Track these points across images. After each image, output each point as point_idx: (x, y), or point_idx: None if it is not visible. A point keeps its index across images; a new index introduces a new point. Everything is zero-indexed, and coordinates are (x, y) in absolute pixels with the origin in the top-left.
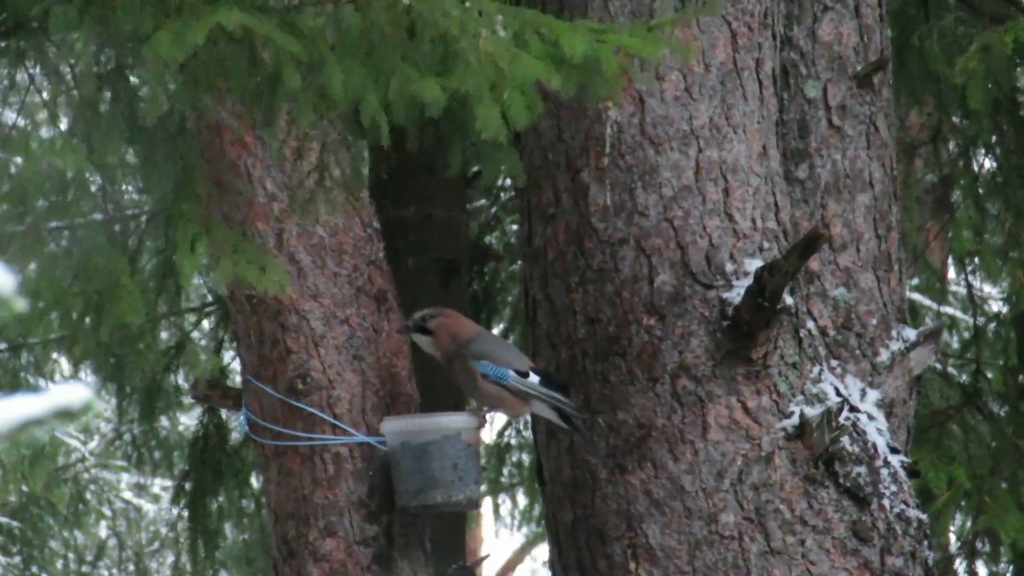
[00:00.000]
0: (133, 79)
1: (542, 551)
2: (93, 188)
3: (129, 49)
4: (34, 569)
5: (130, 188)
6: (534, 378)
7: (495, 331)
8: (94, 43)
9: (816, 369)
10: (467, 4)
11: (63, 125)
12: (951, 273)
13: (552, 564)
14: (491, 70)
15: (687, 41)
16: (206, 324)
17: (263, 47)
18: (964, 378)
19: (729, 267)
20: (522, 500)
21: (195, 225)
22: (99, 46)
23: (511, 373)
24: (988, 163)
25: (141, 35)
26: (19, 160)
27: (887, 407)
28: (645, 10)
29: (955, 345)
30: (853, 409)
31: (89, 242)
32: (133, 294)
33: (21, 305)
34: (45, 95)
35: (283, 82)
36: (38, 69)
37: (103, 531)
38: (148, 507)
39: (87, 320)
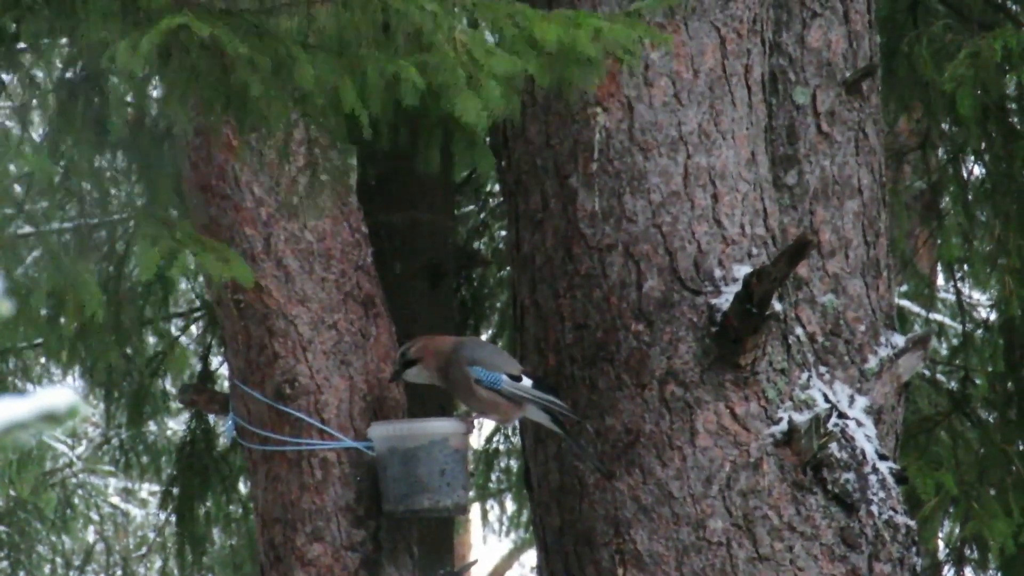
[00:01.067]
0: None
1: (530, 557)
2: (74, 194)
3: (99, 57)
4: (21, 574)
5: (115, 193)
6: (527, 381)
7: (483, 337)
8: (65, 51)
9: (804, 375)
10: None
11: (36, 133)
12: (940, 280)
13: (540, 570)
14: (467, 61)
15: (674, 44)
16: (194, 329)
17: (234, 56)
18: (952, 385)
19: (717, 273)
20: (510, 506)
21: (157, 222)
22: (71, 54)
23: (504, 377)
24: (977, 170)
25: (110, 44)
26: None
27: (875, 413)
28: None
29: (943, 352)
30: (841, 415)
31: (58, 246)
32: (92, 287)
33: (6, 308)
34: (18, 102)
35: (252, 89)
36: (11, 77)
37: (91, 536)
38: (135, 512)
39: (57, 319)
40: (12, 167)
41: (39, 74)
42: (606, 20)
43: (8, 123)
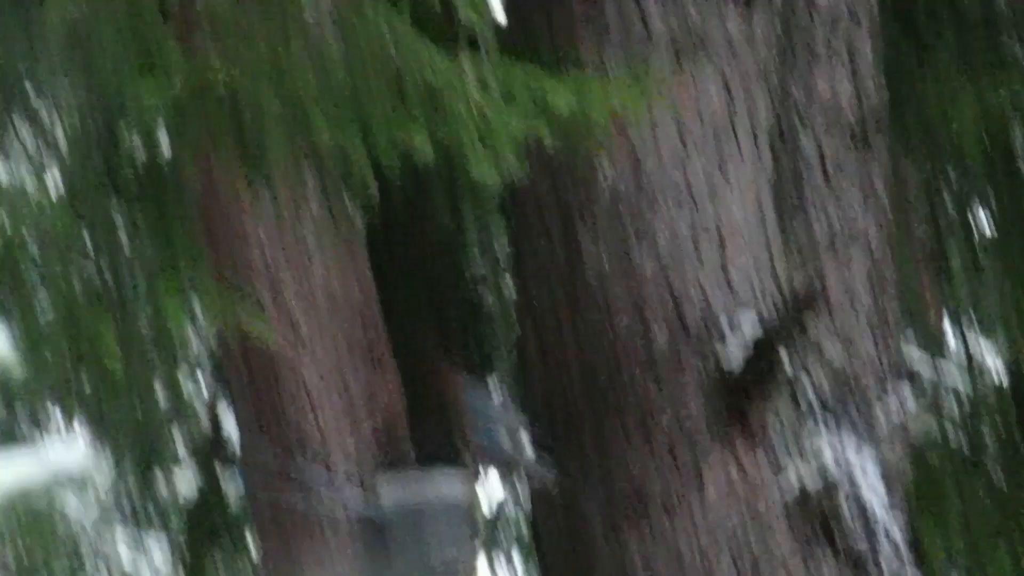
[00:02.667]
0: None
1: None
2: (86, 249)
3: (113, 107)
4: None
5: (124, 239)
6: (523, 436)
7: (490, 389)
8: (81, 100)
9: (813, 430)
10: (455, 58)
11: (51, 185)
12: (949, 335)
13: None
14: (480, 121)
15: (680, 92)
16: (202, 383)
17: (247, 104)
18: (962, 442)
19: (725, 326)
20: (518, 562)
21: (179, 276)
22: (87, 105)
23: (500, 430)
24: (985, 220)
25: (125, 93)
26: (7, 219)
27: (884, 470)
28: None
29: (952, 407)
30: (850, 471)
31: (74, 299)
32: (112, 342)
33: (17, 363)
34: (33, 155)
35: (267, 141)
36: (27, 129)
37: None
38: (145, 571)
39: (71, 376)
40: (28, 221)
41: (52, 120)
42: (616, 87)
43: (23, 175)
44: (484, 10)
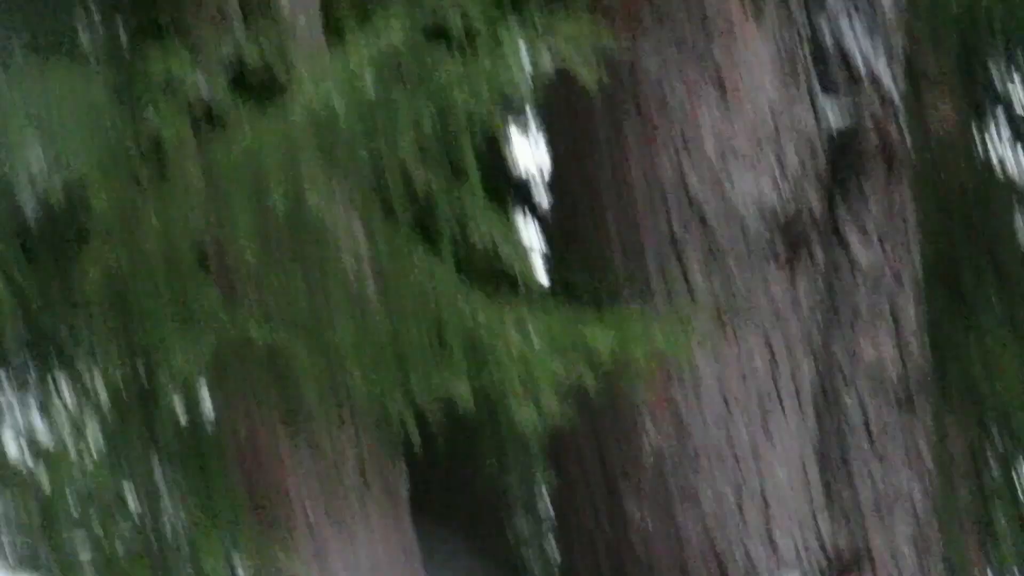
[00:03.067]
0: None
1: None
2: (129, 505)
3: (155, 360)
4: None
5: (165, 495)
6: None
7: None
8: (121, 353)
9: None
10: (495, 301)
11: (92, 442)
12: None
13: None
14: (522, 368)
15: (723, 352)
16: None
17: (285, 358)
18: None
19: None
20: None
21: (220, 532)
22: (126, 358)
23: None
24: None
25: (166, 349)
26: (48, 477)
27: None
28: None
29: None
30: None
31: (115, 556)
32: None
33: None
34: (73, 410)
35: (307, 395)
36: (67, 387)
37: None
38: None
39: None
40: (68, 478)
41: (91, 374)
42: (659, 326)
43: (62, 431)
44: (525, 255)
